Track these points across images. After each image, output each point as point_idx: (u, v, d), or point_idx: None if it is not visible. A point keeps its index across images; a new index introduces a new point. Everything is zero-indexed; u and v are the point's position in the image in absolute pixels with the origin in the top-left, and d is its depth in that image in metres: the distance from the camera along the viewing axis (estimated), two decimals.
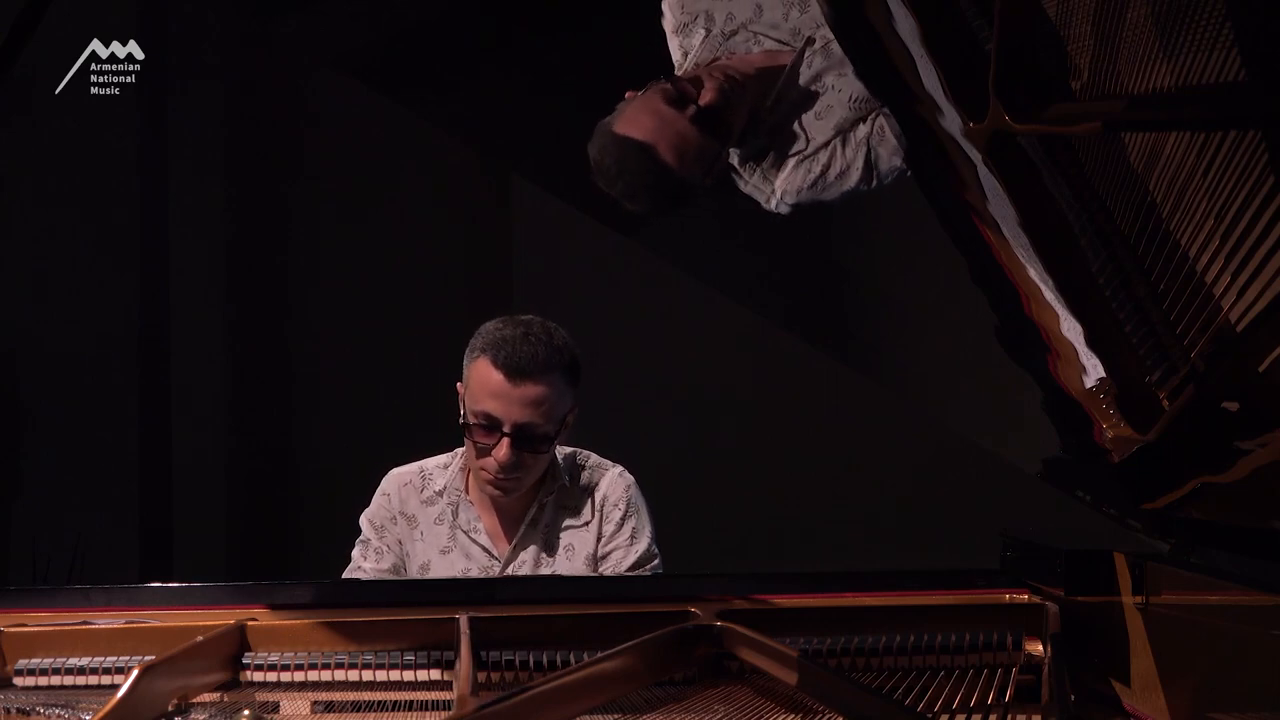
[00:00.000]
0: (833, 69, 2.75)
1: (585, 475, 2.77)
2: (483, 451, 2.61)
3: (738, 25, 2.80)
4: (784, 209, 2.81)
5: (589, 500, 2.74)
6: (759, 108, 2.72)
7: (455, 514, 2.75)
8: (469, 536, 2.74)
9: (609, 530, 2.72)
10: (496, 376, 2.57)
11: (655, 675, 1.89)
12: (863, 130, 2.73)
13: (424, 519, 2.76)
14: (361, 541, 2.78)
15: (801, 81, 2.75)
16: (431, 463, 2.80)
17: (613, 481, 2.75)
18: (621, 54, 2.96)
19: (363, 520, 2.79)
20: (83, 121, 4.48)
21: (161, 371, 4.73)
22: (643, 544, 2.72)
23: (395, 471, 2.81)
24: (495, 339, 2.60)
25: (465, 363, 2.65)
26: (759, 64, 2.76)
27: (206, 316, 4.74)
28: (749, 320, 4.25)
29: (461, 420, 2.65)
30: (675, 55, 2.88)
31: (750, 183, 2.82)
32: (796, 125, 2.76)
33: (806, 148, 2.76)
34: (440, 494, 2.77)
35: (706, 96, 2.64)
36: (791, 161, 2.76)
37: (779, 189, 2.78)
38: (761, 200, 2.83)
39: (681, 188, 2.70)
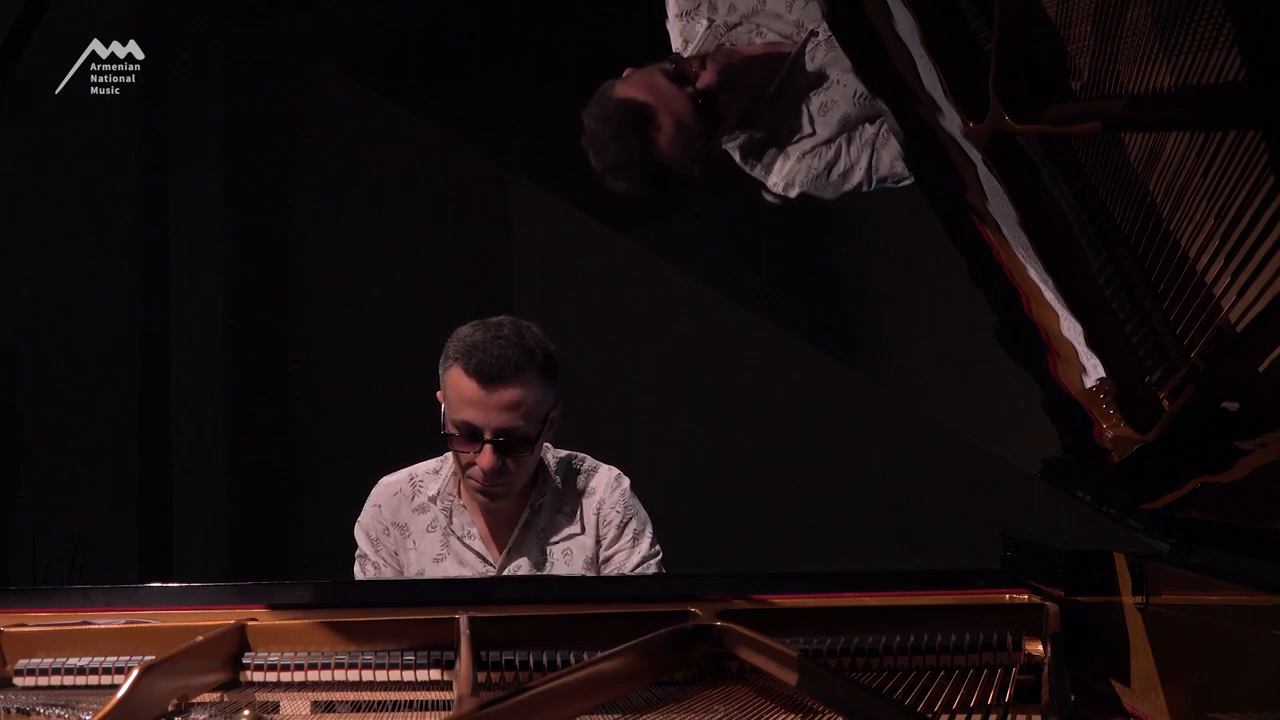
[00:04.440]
0: (838, 63, 2.74)
1: (580, 479, 2.73)
2: (467, 460, 2.58)
3: (740, 16, 2.79)
4: (791, 194, 2.80)
5: (584, 505, 2.71)
6: (761, 96, 2.71)
7: (449, 519, 2.71)
8: (463, 543, 2.70)
9: (609, 535, 2.69)
10: (470, 384, 2.53)
11: (655, 675, 1.90)
12: (870, 130, 2.72)
13: (416, 528, 2.72)
14: (360, 557, 2.75)
15: (806, 72, 2.74)
16: (421, 468, 2.76)
17: (608, 486, 2.72)
18: (623, 54, 2.95)
19: (357, 532, 2.76)
20: (83, 121, 4.48)
21: (161, 371, 4.73)
22: (645, 544, 2.70)
23: (385, 481, 2.77)
24: (465, 346, 2.55)
25: (440, 370, 2.61)
26: (761, 53, 2.75)
27: (206, 316, 4.73)
28: (749, 320, 4.24)
29: (442, 431, 2.61)
30: (676, 43, 2.87)
31: (751, 174, 2.82)
32: (800, 118, 2.75)
33: (810, 142, 2.75)
34: (433, 500, 2.72)
35: (706, 79, 2.64)
36: (795, 154, 2.75)
37: (781, 181, 2.77)
38: (763, 180, 2.83)
39: (666, 169, 2.69)
